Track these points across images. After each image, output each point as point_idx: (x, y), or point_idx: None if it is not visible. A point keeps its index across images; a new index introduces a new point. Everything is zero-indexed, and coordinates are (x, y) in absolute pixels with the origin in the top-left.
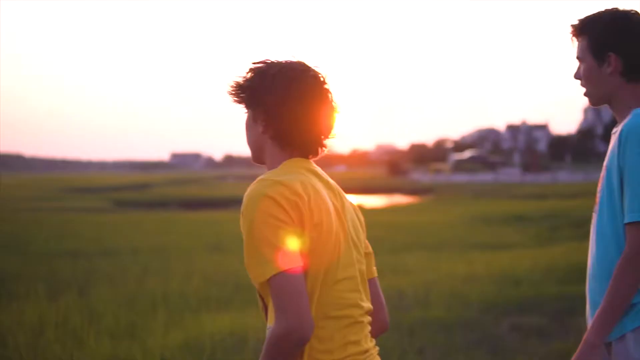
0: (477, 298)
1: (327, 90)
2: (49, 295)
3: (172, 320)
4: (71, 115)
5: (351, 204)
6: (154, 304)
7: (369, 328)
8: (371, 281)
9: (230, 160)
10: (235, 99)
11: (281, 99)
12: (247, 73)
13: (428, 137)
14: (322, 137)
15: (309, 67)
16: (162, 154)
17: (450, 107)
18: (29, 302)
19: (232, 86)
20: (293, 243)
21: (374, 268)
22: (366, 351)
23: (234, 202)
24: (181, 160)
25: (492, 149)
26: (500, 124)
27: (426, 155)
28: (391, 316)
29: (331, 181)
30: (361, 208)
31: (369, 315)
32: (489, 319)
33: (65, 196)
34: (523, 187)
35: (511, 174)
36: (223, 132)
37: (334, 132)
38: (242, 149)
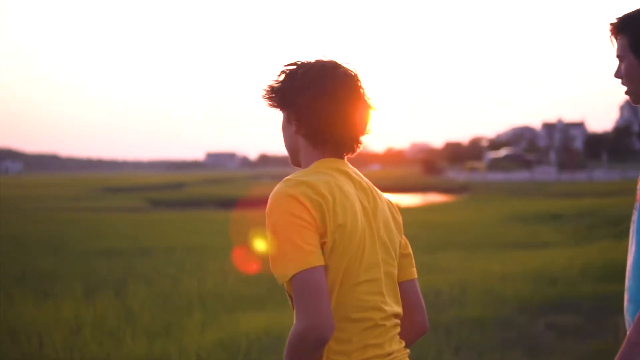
0: (513, 297)
1: (359, 87)
2: (86, 294)
3: (207, 319)
4: (107, 116)
5: (389, 204)
6: (189, 303)
7: (395, 331)
8: (409, 283)
9: (265, 160)
10: (269, 102)
11: (311, 97)
12: (279, 75)
13: (463, 135)
14: (356, 134)
15: (340, 65)
16: (197, 154)
17: (486, 105)
18: (66, 301)
19: (265, 89)
20: (315, 242)
21: (413, 269)
22: (389, 354)
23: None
24: (216, 160)
25: (527, 147)
26: (536, 121)
27: (461, 154)
28: (427, 315)
29: (365, 181)
30: (396, 207)
31: (396, 318)
32: (525, 318)
33: (101, 196)
34: (559, 186)
35: (547, 172)
36: (258, 131)
37: (368, 128)
38: (277, 149)
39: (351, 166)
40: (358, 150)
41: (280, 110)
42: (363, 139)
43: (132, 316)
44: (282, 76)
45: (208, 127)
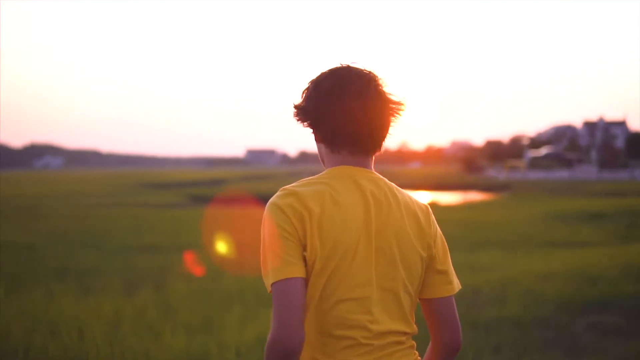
0: (554, 296)
1: (374, 87)
2: (126, 290)
3: (247, 314)
4: (147, 113)
5: (420, 213)
6: (229, 298)
7: (393, 349)
8: (440, 300)
9: (304, 157)
10: (297, 120)
11: (320, 100)
12: (302, 92)
13: (504, 133)
14: (370, 133)
15: (352, 68)
16: (237, 150)
17: (527, 103)
18: (107, 296)
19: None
20: (296, 254)
21: (448, 287)
22: None
23: None
24: (256, 157)
25: (568, 146)
26: (577, 120)
27: (502, 152)
28: (467, 314)
29: (382, 191)
30: (435, 205)
31: (397, 335)
32: (566, 318)
33: (141, 191)
34: (600, 185)
35: (588, 171)
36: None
37: (386, 130)
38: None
39: (373, 173)
40: (379, 150)
41: (305, 125)
42: (383, 138)
43: (172, 311)
44: (304, 92)
45: (249, 123)
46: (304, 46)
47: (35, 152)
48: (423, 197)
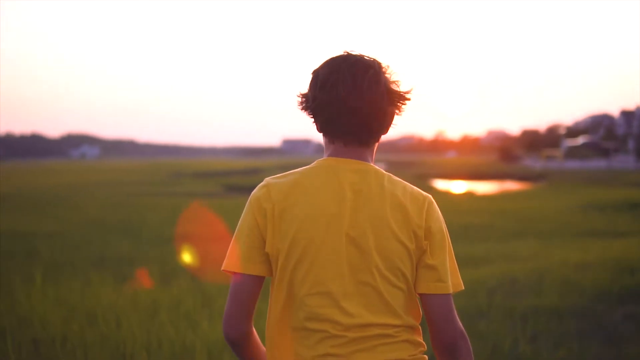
0: (591, 286)
1: (375, 76)
2: (162, 279)
3: None
4: (183, 103)
5: (401, 205)
6: (265, 287)
7: (376, 342)
8: (427, 296)
9: None
10: (299, 108)
11: (317, 89)
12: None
13: (540, 122)
14: (365, 123)
15: (352, 56)
16: (273, 140)
17: (563, 92)
18: (144, 284)
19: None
20: (255, 248)
21: (435, 284)
22: None
23: None
24: (292, 146)
25: (605, 135)
26: (614, 109)
27: (538, 141)
28: (503, 303)
29: (370, 181)
30: (472, 194)
31: (376, 328)
32: (603, 308)
33: (177, 181)
34: (637, 174)
35: (625, 161)
36: None
37: (384, 121)
38: None
39: (363, 164)
40: (376, 140)
41: (307, 114)
42: (381, 128)
43: (208, 300)
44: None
45: (285, 113)
46: (341, 35)
47: (72, 142)
48: (458, 187)
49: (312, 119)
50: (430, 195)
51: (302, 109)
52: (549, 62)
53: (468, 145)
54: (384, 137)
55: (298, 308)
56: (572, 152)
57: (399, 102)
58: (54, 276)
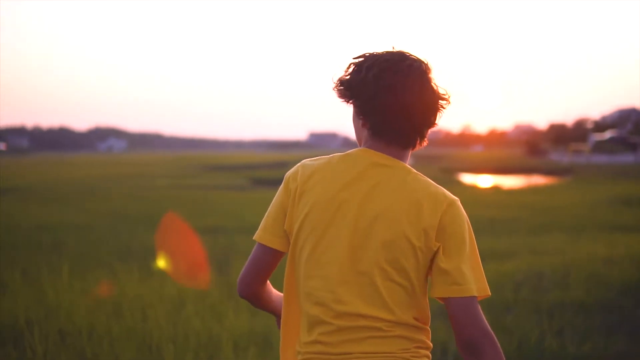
0: (618, 280)
1: (426, 79)
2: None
3: None
4: (209, 97)
5: (417, 203)
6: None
7: (364, 334)
8: (445, 300)
9: None
10: (337, 93)
11: (375, 91)
12: (347, 68)
13: (567, 116)
14: (418, 127)
15: (407, 57)
16: (300, 134)
17: (591, 86)
18: (169, 276)
19: (334, 82)
20: (277, 221)
21: (451, 287)
22: (342, 354)
23: None
24: (319, 140)
25: (633, 129)
26: None
27: (565, 136)
28: (530, 297)
29: (391, 175)
30: (498, 189)
31: (365, 319)
32: (630, 302)
33: (203, 174)
34: None
35: None
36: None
37: (434, 121)
38: None
39: (394, 161)
40: (421, 143)
41: (348, 103)
42: (427, 131)
43: (234, 292)
44: (350, 69)
45: (311, 107)
46: (367, 27)
47: (99, 135)
48: (485, 181)
49: (361, 115)
50: (457, 199)
51: (346, 97)
52: (576, 56)
53: (495, 139)
54: None
55: (301, 287)
56: (600, 147)
57: (443, 108)
58: (80, 268)
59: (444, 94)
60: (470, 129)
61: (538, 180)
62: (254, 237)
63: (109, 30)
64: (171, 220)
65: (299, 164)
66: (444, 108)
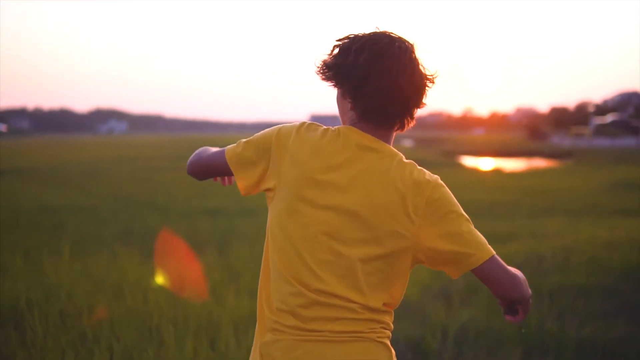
0: (618, 265)
1: (414, 61)
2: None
3: None
4: (211, 78)
5: (397, 190)
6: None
7: (331, 314)
8: (474, 271)
9: None
10: (323, 77)
11: (366, 75)
12: (332, 50)
13: (569, 100)
14: (408, 108)
15: (394, 39)
16: (301, 116)
17: (592, 69)
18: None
19: (318, 65)
20: (251, 155)
21: (469, 260)
22: (297, 327)
23: None
24: (320, 122)
25: (634, 113)
26: None
27: (567, 119)
28: (530, 280)
29: (376, 159)
30: (499, 172)
31: (338, 300)
32: (630, 286)
33: None
34: None
35: None
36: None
37: (423, 102)
38: None
39: (382, 144)
40: (409, 124)
41: (334, 86)
42: (415, 112)
43: (235, 275)
44: (335, 51)
45: (313, 89)
46: (366, 7)
47: (101, 117)
48: (486, 164)
49: (350, 98)
50: (437, 179)
51: (333, 83)
52: (578, 39)
53: (496, 122)
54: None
55: (281, 249)
56: (601, 130)
57: (428, 87)
58: (81, 250)
59: (430, 75)
60: (472, 112)
61: (539, 163)
62: (227, 149)
63: (110, 11)
64: (167, 237)
65: (302, 125)
66: (430, 88)
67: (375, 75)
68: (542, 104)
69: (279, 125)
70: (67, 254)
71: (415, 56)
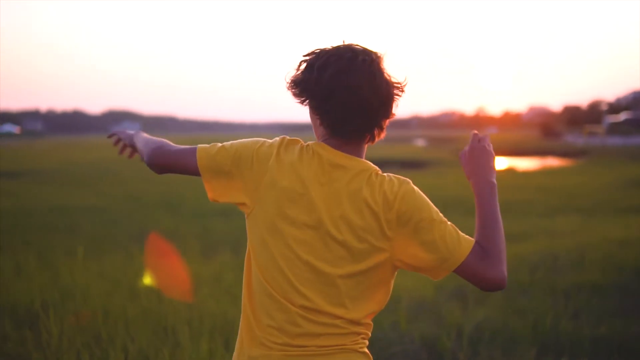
0: (633, 262)
1: (380, 74)
2: (204, 253)
3: None
4: (223, 79)
5: (365, 202)
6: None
7: (318, 329)
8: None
9: None
10: (292, 94)
11: (329, 92)
12: (299, 66)
13: (582, 98)
14: (376, 122)
15: (358, 52)
16: None
17: (606, 68)
18: (185, 259)
19: (287, 82)
20: (225, 164)
21: (444, 264)
22: (285, 344)
23: (386, 164)
24: None
25: None
26: None
27: (580, 117)
28: (545, 279)
29: (341, 174)
30: (514, 171)
31: (324, 317)
32: None
33: None
34: None
35: None
36: None
37: (390, 112)
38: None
39: (356, 160)
40: (380, 135)
41: (301, 103)
42: (385, 123)
43: None
44: (301, 68)
45: None
46: (374, 5)
47: (113, 118)
48: (499, 163)
49: (317, 115)
50: (406, 185)
51: (300, 101)
52: (591, 38)
53: (509, 121)
54: (418, 113)
55: (265, 266)
56: (614, 129)
57: (398, 95)
58: (96, 250)
59: (397, 83)
60: (484, 111)
61: (552, 162)
62: (198, 147)
63: (122, 13)
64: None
65: (278, 144)
66: (399, 96)
67: (339, 91)
68: (555, 102)
69: (257, 141)
70: (81, 255)
71: (381, 67)
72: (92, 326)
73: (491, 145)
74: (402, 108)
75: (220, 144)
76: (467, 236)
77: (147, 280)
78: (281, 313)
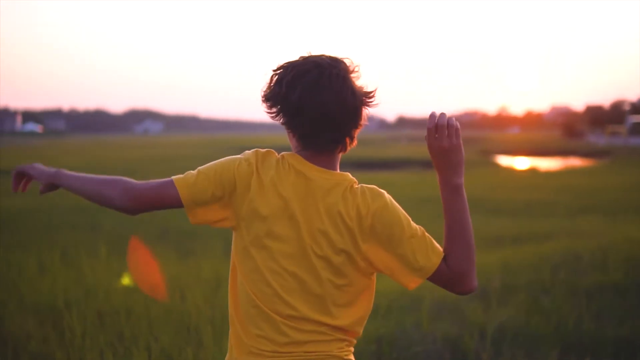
0: None
1: (347, 85)
2: (225, 252)
3: None
4: (244, 79)
5: (338, 213)
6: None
7: (308, 337)
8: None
9: (402, 122)
10: (265, 109)
11: (297, 108)
12: (270, 80)
13: (604, 98)
14: (346, 133)
15: (324, 66)
16: None
17: (628, 67)
18: (206, 258)
19: (261, 96)
20: (208, 187)
21: (413, 275)
22: (275, 351)
23: (406, 164)
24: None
25: None
26: None
27: (602, 118)
28: (567, 280)
29: (316, 187)
30: (536, 170)
31: (309, 324)
32: None
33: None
34: None
35: None
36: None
37: (359, 122)
38: (415, 111)
39: (333, 174)
40: (351, 144)
41: (275, 119)
42: (355, 132)
43: None
44: (271, 83)
45: None
46: (389, 5)
47: (136, 118)
48: (522, 163)
49: (288, 129)
50: (379, 198)
51: (273, 114)
52: (614, 37)
53: (531, 121)
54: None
55: (247, 279)
56: (637, 129)
57: (368, 104)
58: (118, 249)
59: (366, 92)
60: (507, 110)
61: (575, 162)
62: (177, 178)
63: (145, 13)
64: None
65: (255, 159)
66: (369, 105)
67: (307, 109)
68: (577, 102)
69: (234, 160)
70: (104, 254)
71: (348, 77)
72: (115, 325)
73: (459, 131)
74: (425, 108)
75: (194, 171)
76: (438, 247)
77: (126, 280)
78: (268, 323)
